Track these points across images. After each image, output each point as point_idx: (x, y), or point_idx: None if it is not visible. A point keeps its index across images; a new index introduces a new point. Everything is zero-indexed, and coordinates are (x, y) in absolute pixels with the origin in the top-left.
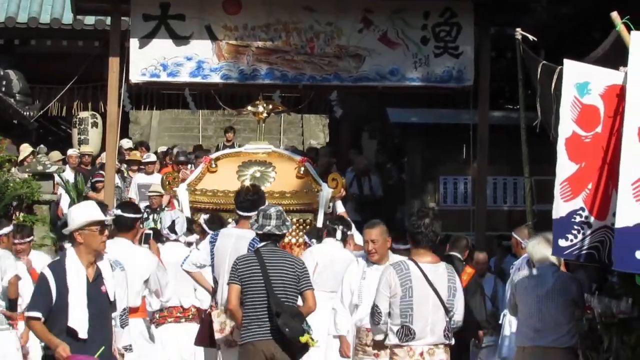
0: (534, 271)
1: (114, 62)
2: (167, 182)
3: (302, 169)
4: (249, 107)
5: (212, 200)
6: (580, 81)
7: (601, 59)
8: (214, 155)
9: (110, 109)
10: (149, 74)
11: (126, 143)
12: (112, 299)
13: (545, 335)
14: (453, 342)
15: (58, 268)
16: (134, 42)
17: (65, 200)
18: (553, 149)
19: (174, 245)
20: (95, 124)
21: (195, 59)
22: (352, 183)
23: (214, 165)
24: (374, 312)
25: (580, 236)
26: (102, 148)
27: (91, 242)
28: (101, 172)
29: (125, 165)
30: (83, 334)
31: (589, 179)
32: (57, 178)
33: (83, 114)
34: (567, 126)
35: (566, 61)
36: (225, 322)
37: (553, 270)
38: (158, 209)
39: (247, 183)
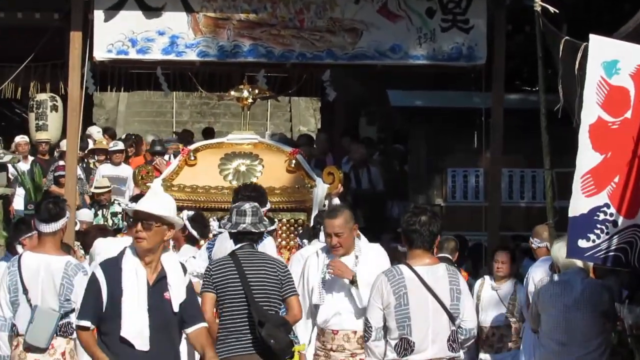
0: (560, 277)
1: (76, 37)
2: (140, 177)
3: (294, 161)
4: (233, 92)
5: (191, 197)
6: (608, 59)
7: (632, 35)
8: (192, 147)
9: (72, 91)
10: (116, 50)
11: (97, 133)
12: (175, 309)
13: (572, 350)
14: (462, 356)
15: (112, 266)
16: (98, 15)
17: (19, 195)
18: (577, 137)
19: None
20: (55, 108)
21: (169, 33)
22: (349, 176)
23: (192, 158)
24: (365, 326)
25: (604, 236)
26: (64, 134)
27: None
28: (63, 163)
29: (91, 155)
30: (142, 344)
31: (615, 171)
32: (11, 169)
33: (41, 96)
34: (591, 111)
35: (592, 36)
36: None
37: (581, 277)
38: (107, 204)
39: (231, 178)
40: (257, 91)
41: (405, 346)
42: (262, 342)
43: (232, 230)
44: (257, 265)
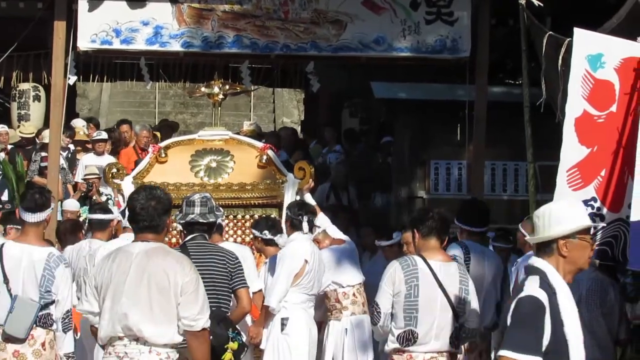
0: None
1: (59, 27)
2: (110, 175)
3: (265, 157)
4: (203, 88)
5: None
6: (593, 53)
7: (616, 30)
8: (163, 144)
9: (55, 81)
10: (100, 40)
11: (82, 127)
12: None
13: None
14: (462, 351)
15: (547, 288)
16: (82, 4)
17: None
18: (560, 131)
19: (129, 234)
20: (37, 97)
21: (153, 24)
22: (329, 196)
23: (163, 155)
24: (373, 310)
25: (591, 230)
26: (46, 124)
27: (579, 257)
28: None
29: (72, 146)
30: None
31: (602, 165)
32: None
33: (23, 86)
34: (577, 104)
35: (576, 30)
36: None
37: (588, 272)
38: (95, 197)
39: (202, 174)
40: (227, 87)
41: (408, 337)
42: None
43: (181, 221)
44: (206, 257)
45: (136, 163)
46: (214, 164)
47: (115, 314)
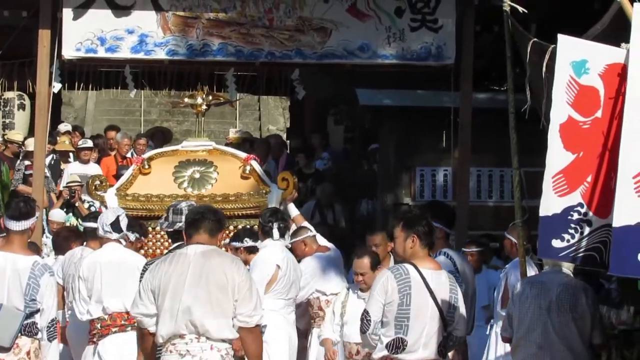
0: (538, 278)
1: (44, 35)
2: (94, 187)
3: (248, 168)
4: (186, 99)
5: (146, 206)
6: (577, 59)
7: (599, 37)
8: (146, 155)
9: (40, 89)
10: (85, 48)
11: (64, 127)
12: None
13: (551, 354)
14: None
15: None
16: (67, 13)
17: None
18: (545, 137)
19: (114, 244)
20: (22, 106)
21: (138, 32)
22: (315, 214)
23: (146, 166)
24: (363, 318)
25: (578, 236)
26: (31, 133)
27: None
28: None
29: (54, 155)
30: None
31: (588, 170)
32: None
33: (8, 94)
34: (561, 110)
35: (560, 36)
36: None
37: (560, 277)
38: (77, 204)
39: (185, 185)
40: (210, 97)
41: (398, 344)
42: None
43: (169, 229)
44: None
45: (117, 171)
46: (197, 175)
47: (177, 311)
